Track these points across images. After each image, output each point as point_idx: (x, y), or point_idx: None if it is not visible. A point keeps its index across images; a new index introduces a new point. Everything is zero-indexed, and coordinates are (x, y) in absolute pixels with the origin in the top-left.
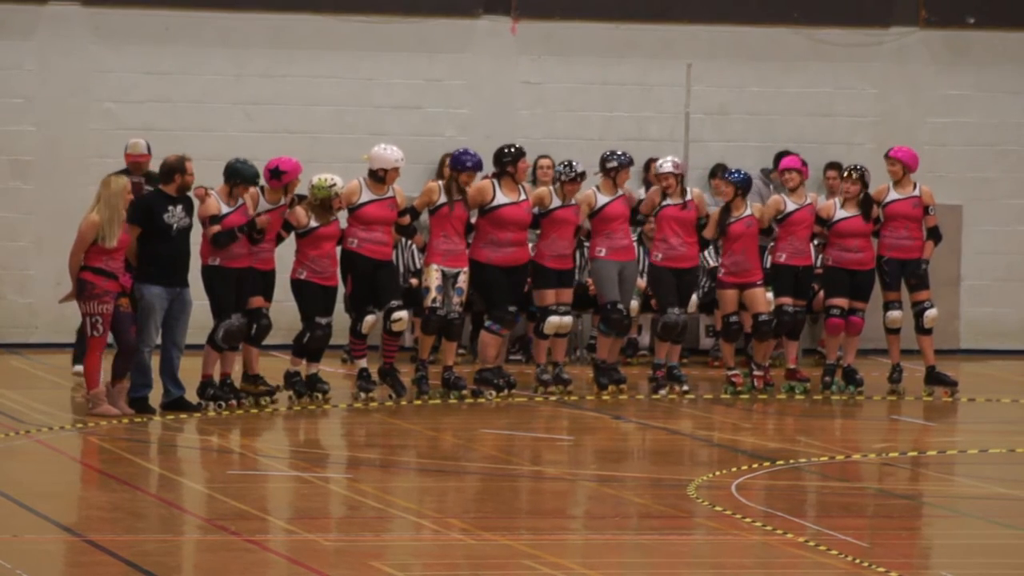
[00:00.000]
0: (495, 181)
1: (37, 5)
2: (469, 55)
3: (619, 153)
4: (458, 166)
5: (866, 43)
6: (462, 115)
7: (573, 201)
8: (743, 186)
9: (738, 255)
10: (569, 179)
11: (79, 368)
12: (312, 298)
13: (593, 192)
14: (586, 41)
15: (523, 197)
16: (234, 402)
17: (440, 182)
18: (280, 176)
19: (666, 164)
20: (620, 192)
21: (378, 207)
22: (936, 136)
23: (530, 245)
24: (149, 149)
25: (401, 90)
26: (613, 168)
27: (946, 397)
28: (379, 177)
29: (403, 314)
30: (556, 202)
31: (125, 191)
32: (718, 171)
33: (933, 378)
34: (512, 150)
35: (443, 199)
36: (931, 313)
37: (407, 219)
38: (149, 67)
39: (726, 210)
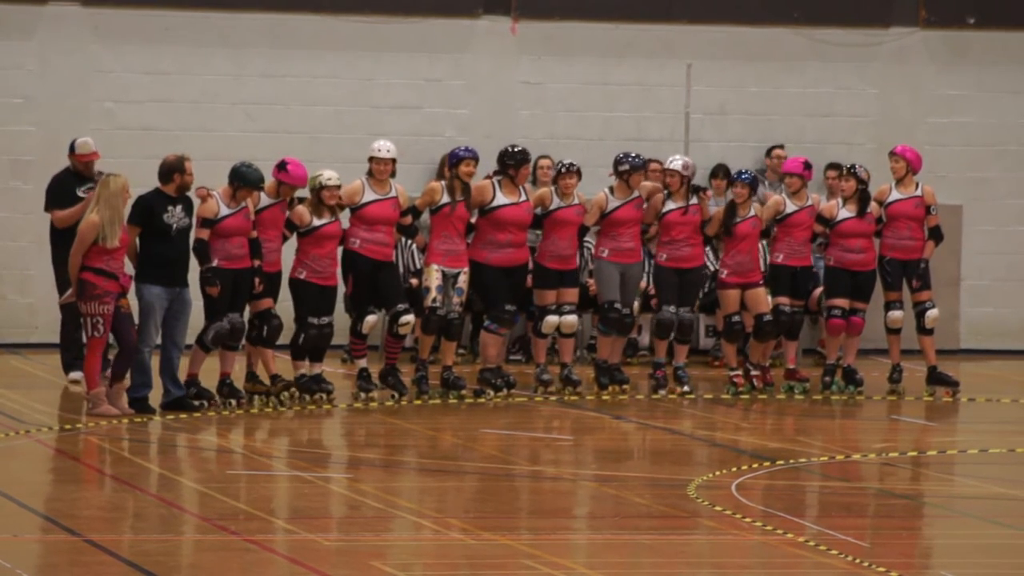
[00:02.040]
0: (495, 181)
1: (37, 5)
2: (469, 55)
3: (632, 156)
4: (454, 160)
5: (866, 43)
6: (462, 115)
7: (576, 200)
8: (754, 186)
9: (743, 255)
10: (558, 172)
11: (75, 375)
12: (307, 298)
13: (605, 195)
14: (586, 41)
15: (523, 198)
16: (216, 401)
17: (442, 182)
18: (283, 171)
19: (676, 162)
20: (635, 194)
21: (381, 207)
22: (936, 136)
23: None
24: (95, 147)
25: (401, 90)
26: (625, 171)
27: (947, 397)
28: (370, 171)
29: (410, 318)
30: (557, 202)
31: (124, 190)
32: (719, 171)
33: (935, 378)
34: (516, 154)
35: (445, 199)
36: (932, 313)
37: (409, 219)
38: (149, 67)
39: (732, 210)
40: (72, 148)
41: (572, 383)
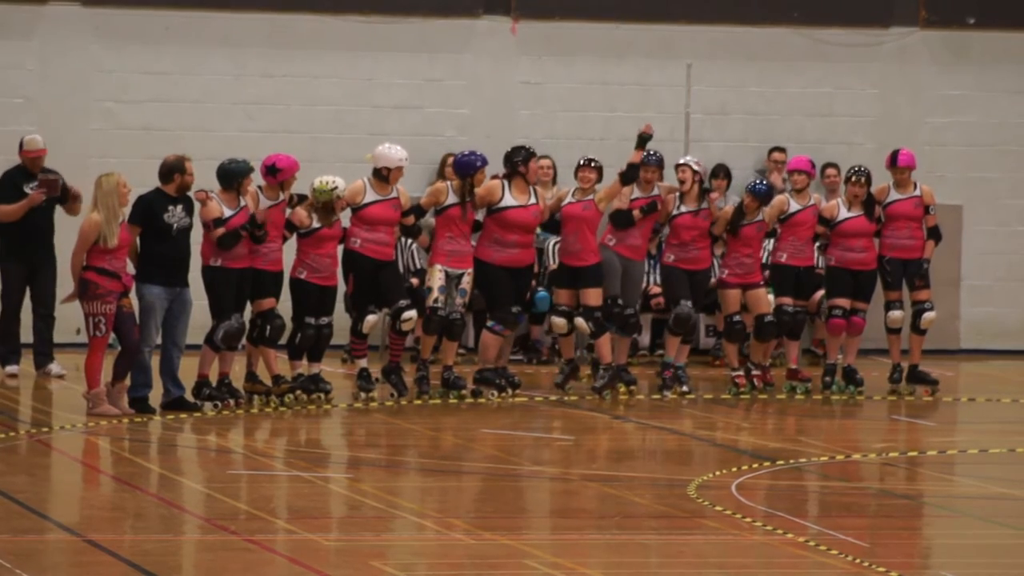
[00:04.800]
0: (505, 182)
1: (37, 5)
2: (469, 55)
3: (651, 153)
4: (470, 170)
5: (866, 43)
6: (462, 115)
7: (590, 196)
8: (766, 200)
9: (744, 256)
10: (584, 164)
11: (12, 369)
12: (305, 298)
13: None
14: (586, 41)
15: (532, 200)
16: (231, 402)
17: (448, 183)
18: (276, 173)
19: (688, 158)
20: (655, 191)
21: (382, 207)
22: (936, 136)
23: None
24: (44, 143)
25: (401, 90)
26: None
27: (927, 396)
28: (383, 176)
29: (412, 313)
30: (569, 199)
31: (119, 188)
32: (719, 171)
33: (915, 376)
34: (522, 150)
35: (451, 200)
36: (929, 316)
37: (411, 219)
38: (149, 67)
39: (740, 212)
40: (21, 145)
41: (626, 382)
